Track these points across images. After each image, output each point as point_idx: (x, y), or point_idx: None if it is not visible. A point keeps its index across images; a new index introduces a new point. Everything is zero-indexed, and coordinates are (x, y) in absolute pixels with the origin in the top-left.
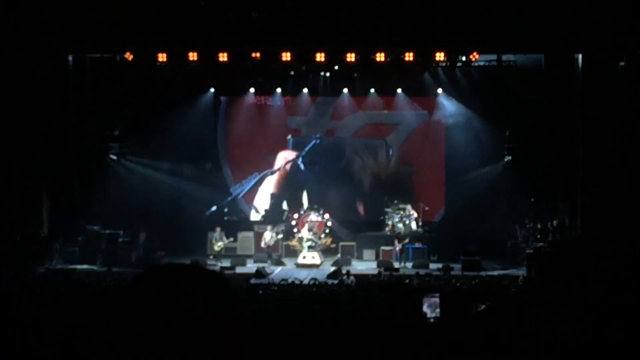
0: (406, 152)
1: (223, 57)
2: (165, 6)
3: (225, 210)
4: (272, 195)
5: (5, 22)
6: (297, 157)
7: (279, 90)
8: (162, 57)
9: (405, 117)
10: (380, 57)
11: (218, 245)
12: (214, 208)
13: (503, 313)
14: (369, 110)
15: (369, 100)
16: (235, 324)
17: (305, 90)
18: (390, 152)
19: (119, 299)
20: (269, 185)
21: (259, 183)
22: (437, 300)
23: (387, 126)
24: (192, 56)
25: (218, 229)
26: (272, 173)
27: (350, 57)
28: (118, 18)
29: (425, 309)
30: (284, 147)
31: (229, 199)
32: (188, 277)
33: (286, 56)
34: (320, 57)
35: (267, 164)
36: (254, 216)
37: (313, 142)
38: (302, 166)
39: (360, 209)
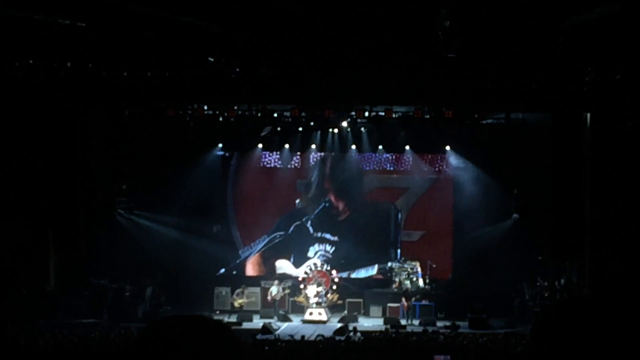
0: (415, 215)
1: (231, 112)
2: (172, 61)
3: (234, 272)
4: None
5: (13, 74)
6: (307, 220)
7: (287, 146)
8: (170, 112)
9: (415, 181)
10: (388, 114)
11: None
12: (222, 270)
13: None
14: (379, 173)
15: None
16: None
17: (314, 146)
18: (400, 217)
19: (124, 353)
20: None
21: (266, 246)
22: (448, 358)
23: (397, 190)
24: (200, 111)
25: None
26: (280, 237)
27: (359, 114)
28: (125, 72)
29: None
30: (292, 209)
31: (238, 261)
32: (194, 329)
33: (294, 112)
34: (328, 113)
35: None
36: (250, 272)
37: (322, 205)
38: (310, 229)
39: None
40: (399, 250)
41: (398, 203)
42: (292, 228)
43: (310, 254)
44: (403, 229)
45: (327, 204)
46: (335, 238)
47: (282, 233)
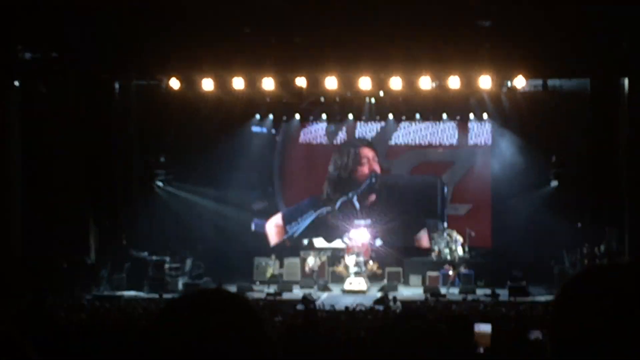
0: (462, 189)
1: (268, 83)
2: (209, 33)
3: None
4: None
5: (52, 49)
6: (353, 195)
7: (324, 116)
8: (206, 84)
9: (461, 155)
10: (425, 82)
11: (270, 272)
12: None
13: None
14: (424, 148)
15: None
16: (264, 351)
17: (351, 116)
18: (446, 190)
19: (144, 333)
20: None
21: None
22: (489, 327)
23: (443, 164)
24: (237, 83)
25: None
26: (327, 212)
27: (395, 82)
28: (163, 45)
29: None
30: (339, 185)
31: (286, 237)
32: (208, 305)
33: (331, 82)
34: (365, 82)
35: (323, 203)
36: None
37: (368, 181)
38: (357, 205)
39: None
40: (445, 224)
41: (444, 177)
42: (338, 204)
43: (356, 228)
44: (450, 203)
45: (373, 180)
46: (381, 212)
47: (329, 209)
